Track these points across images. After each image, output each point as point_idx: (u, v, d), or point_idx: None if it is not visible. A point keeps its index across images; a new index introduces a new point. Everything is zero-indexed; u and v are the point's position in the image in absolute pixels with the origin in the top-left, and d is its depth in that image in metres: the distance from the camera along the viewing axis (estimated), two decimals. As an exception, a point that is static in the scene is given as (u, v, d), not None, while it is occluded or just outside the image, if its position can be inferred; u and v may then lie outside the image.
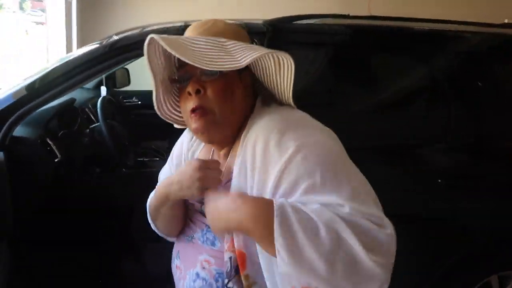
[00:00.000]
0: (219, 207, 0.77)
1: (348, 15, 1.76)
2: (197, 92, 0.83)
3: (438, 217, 1.57)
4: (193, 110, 0.83)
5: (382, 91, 1.82)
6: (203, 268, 0.87)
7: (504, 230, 1.69)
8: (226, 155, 0.92)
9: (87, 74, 1.59)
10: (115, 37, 1.74)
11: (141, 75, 2.39)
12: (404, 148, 1.71)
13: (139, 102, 2.95)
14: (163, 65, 0.88)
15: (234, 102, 0.85)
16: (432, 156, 1.69)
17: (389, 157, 1.69)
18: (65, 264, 1.71)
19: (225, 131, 0.87)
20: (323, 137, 0.81)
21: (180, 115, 0.95)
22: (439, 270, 1.68)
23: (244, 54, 0.78)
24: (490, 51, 1.82)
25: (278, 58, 0.83)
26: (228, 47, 0.81)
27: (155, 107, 0.94)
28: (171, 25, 1.79)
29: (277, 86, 0.88)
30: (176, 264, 0.97)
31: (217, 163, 0.87)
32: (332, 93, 1.82)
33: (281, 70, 0.85)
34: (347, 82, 1.83)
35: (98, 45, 1.69)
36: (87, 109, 2.28)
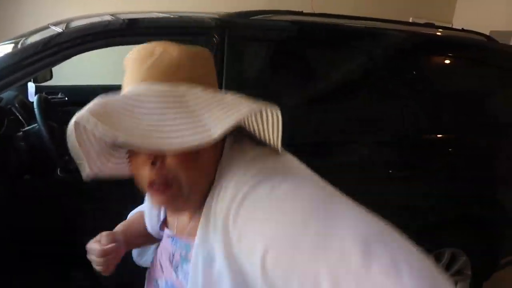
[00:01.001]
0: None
1: (302, 12, 1.81)
2: (153, 163, 0.62)
3: (391, 202, 1.72)
4: (151, 184, 0.63)
5: (328, 86, 1.93)
6: None
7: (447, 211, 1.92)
8: (196, 212, 0.72)
9: (24, 73, 1.46)
10: (55, 28, 1.61)
11: (64, 69, 2.20)
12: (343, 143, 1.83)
13: (66, 99, 2.70)
14: (95, 137, 0.66)
15: (201, 164, 0.64)
16: (381, 150, 1.83)
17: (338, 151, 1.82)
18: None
19: (194, 199, 0.67)
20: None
21: (117, 162, 0.75)
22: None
23: (214, 118, 0.57)
24: (415, 49, 2.01)
25: (262, 113, 0.63)
26: (190, 104, 0.58)
27: (92, 176, 0.71)
28: (97, 19, 1.69)
29: (260, 136, 0.67)
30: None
31: (106, 238, 0.83)
32: (281, 86, 1.88)
33: (266, 124, 0.65)
34: (292, 77, 1.90)
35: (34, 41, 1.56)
36: (13, 109, 2.03)
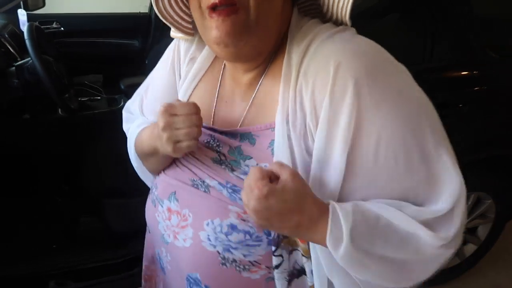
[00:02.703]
0: (272, 208, 0.53)
1: None
2: None
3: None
4: (213, 7, 0.56)
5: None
6: (243, 220, 0.62)
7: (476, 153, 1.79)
8: (254, 84, 0.67)
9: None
10: None
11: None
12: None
13: (62, 29, 2.47)
14: None
15: (273, 2, 0.59)
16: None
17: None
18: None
19: (261, 41, 0.60)
20: (415, 86, 0.59)
21: (184, 16, 0.70)
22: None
23: None
24: None
25: None
26: None
27: (154, 5, 0.67)
28: None
29: (329, 8, 0.63)
30: (169, 207, 0.70)
31: (189, 105, 0.64)
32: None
33: None
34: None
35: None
36: (3, 40, 1.83)
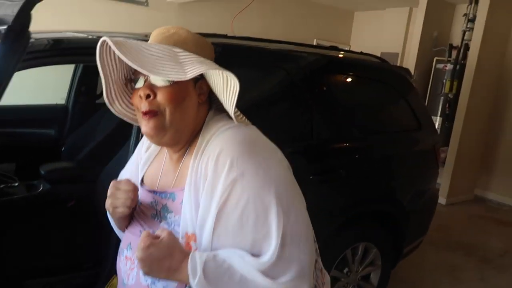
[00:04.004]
0: (152, 255, 0.79)
1: (226, 35, 1.96)
2: (148, 96, 0.85)
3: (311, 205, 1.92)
4: (144, 113, 0.86)
5: (251, 101, 2.09)
6: None
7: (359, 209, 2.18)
8: (179, 160, 0.95)
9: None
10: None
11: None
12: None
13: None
14: (117, 66, 0.90)
15: (185, 109, 0.88)
16: (301, 157, 2.03)
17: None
18: None
19: (175, 136, 0.89)
20: (275, 166, 0.86)
21: (133, 112, 0.99)
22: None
23: (193, 67, 0.81)
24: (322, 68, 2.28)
25: (226, 77, 0.84)
26: (181, 57, 0.84)
27: (108, 105, 0.96)
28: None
29: (224, 101, 0.89)
30: (126, 255, 0.98)
31: (128, 183, 0.93)
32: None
33: (227, 89, 0.86)
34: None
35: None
36: None
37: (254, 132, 0.91)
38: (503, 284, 3.14)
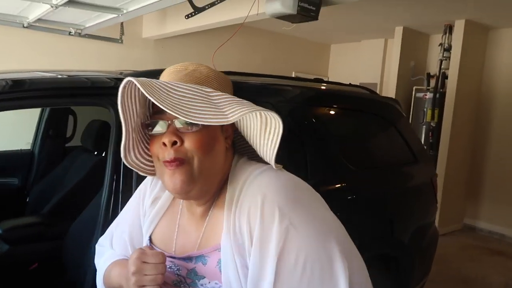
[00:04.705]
0: None
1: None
2: (174, 143, 0.75)
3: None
4: (169, 162, 0.75)
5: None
6: None
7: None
8: (204, 215, 0.83)
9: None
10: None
11: None
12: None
13: None
14: (137, 111, 0.79)
15: (215, 156, 0.78)
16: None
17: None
18: None
19: (204, 187, 0.78)
20: (324, 210, 0.79)
21: (148, 163, 0.87)
22: None
23: (232, 109, 0.72)
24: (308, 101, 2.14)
25: (266, 117, 0.77)
26: (214, 98, 0.74)
27: (122, 155, 0.83)
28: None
29: (260, 145, 0.81)
30: None
31: (159, 256, 0.77)
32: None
33: (266, 130, 0.78)
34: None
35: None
36: None
37: (292, 175, 0.81)
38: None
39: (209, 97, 0.74)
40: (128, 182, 1.32)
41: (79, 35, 3.75)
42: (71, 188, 2.04)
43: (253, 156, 0.86)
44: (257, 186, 0.75)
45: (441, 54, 5.01)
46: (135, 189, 1.32)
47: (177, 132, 0.75)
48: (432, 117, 5.01)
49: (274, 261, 0.69)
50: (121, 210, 1.28)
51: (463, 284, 3.49)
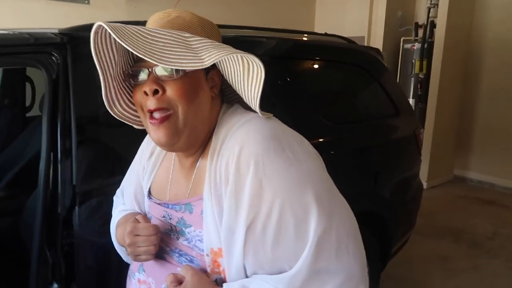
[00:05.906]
0: None
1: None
2: (155, 92, 0.73)
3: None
4: (150, 112, 0.74)
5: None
6: None
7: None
8: (193, 165, 0.83)
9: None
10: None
11: None
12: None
13: None
14: (115, 58, 0.76)
15: (198, 105, 0.76)
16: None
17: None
18: None
19: (190, 138, 0.78)
20: (307, 161, 0.75)
21: (137, 113, 0.85)
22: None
23: (210, 53, 0.69)
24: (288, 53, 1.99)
25: (248, 62, 0.72)
26: (192, 43, 0.71)
27: (107, 107, 0.82)
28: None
29: (244, 91, 0.77)
30: (139, 278, 0.89)
31: (149, 228, 0.81)
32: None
33: (249, 76, 0.74)
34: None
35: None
36: None
37: (277, 124, 0.79)
38: (498, 270, 2.95)
39: (186, 42, 0.71)
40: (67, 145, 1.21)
41: (41, -3, 3.50)
42: (29, 159, 1.92)
43: (248, 107, 0.83)
44: (238, 137, 0.74)
45: (429, 1, 4.79)
46: (75, 153, 1.21)
47: (157, 81, 0.73)
48: (421, 69, 4.85)
49: (246, 216, 0.69)
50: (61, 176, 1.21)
51: (451, 235, 3.47)
